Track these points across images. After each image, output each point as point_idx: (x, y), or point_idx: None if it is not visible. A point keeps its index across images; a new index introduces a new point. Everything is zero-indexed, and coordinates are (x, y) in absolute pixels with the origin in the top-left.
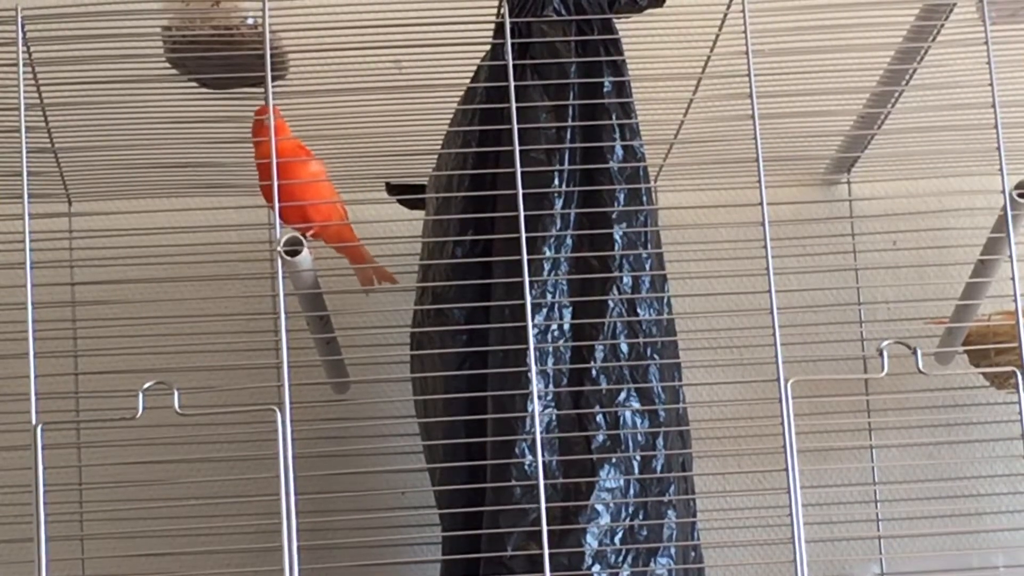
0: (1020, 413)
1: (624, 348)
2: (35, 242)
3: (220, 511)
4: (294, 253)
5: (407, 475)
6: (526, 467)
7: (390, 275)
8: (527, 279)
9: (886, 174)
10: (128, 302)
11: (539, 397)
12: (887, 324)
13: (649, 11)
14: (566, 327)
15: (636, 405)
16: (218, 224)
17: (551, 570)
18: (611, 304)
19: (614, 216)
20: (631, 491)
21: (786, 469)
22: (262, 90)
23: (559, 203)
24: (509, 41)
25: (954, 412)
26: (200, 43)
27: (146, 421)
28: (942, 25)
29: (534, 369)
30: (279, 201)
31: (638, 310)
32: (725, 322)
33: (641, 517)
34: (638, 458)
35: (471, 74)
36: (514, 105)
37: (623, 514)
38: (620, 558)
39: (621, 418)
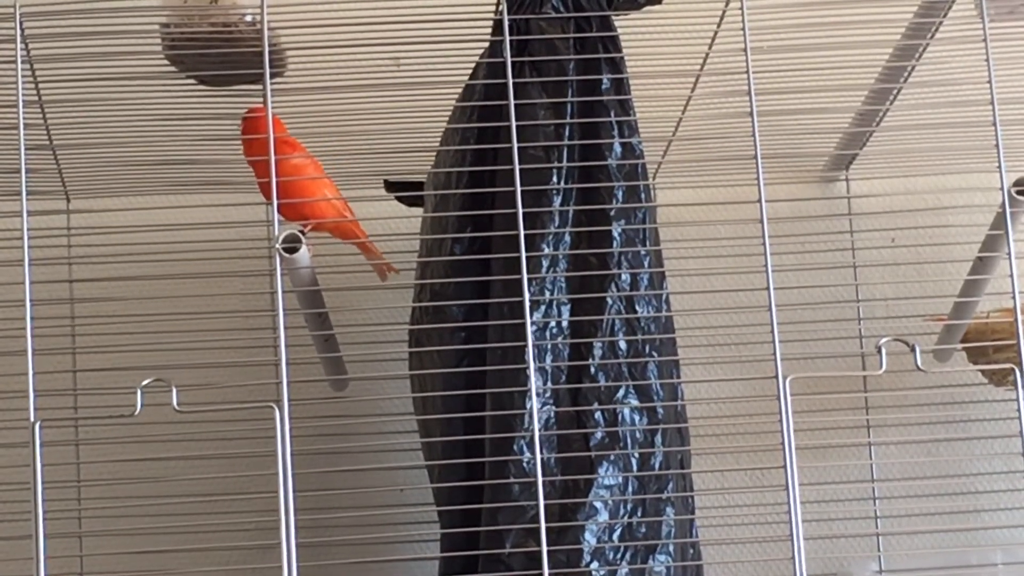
0: (1019, 410)
1: (622, 345)
2: (33, 239)
3: (218, 508)
4: (292, 250)
5: (406, 472)
6: (524, 464)
7: (393, 268)
8: (525, 276)
9: (885, 171)
10: (126, 299)
11: (537, 394)
12: (885, 321)
13: (647, 8)
14: (564, 324)
15: (634, 402)
16: (217, 221)
17: (549, 567)
18: (609, 301)
19: (612, 213)
20: (629, 488)
21: (784, 466)
22: (261, 87)
23: (557, 200)
24: (508, 38)
25: (953, 409)
26: (199, 40)
27: (144, 418)
28: (941, 22)
29: (532, 366)
30: (278, 198)
31: (636, 307)
32: (723, 319)
33: (639, 514)
34: (636, 455)
35: (469, 71)
36: (512, 102)
37: (621, 511)
38: (618, 555)
39: (619, 415)
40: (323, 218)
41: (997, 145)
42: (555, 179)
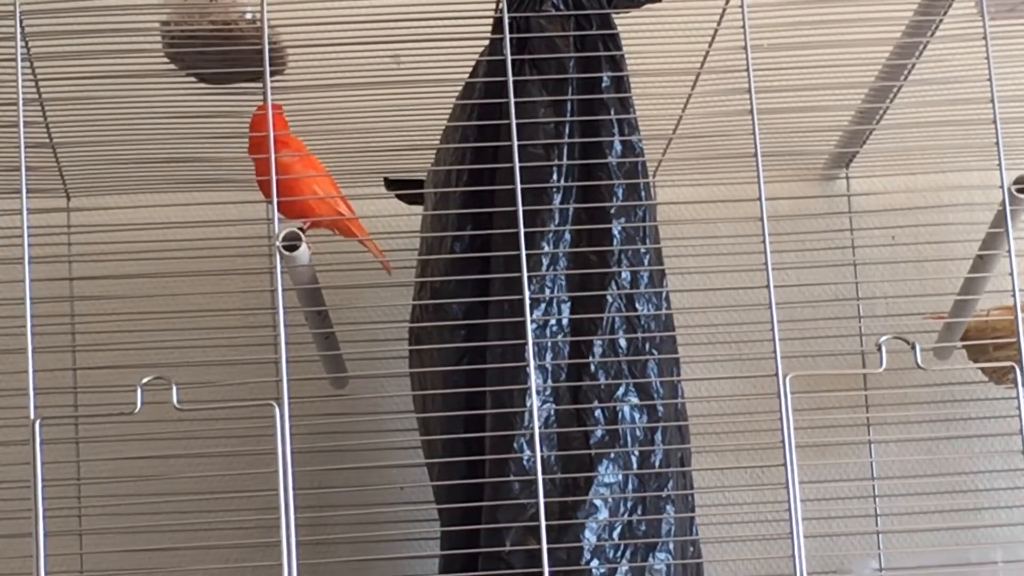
0: (1019, 408)
1: (622, 343)
2: (33, 237)
3: (218, 506)
4: (292, 248)
5: (406, 470)
6: (524, 462)
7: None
8: (526, 274)
9: (885, 169)
10: (126, 297)
11: (537, 392)
12: (886, 319)
13: (647, 6)
14: (564, 322)
15: (634, 400)
16: (217, 219)
17: (550, 565)
18: (609, 299)
19: (612, 211)
20: (629, 486)
21: (785, 464)
22: (260, 85)
23: (557, 198)
24: (508, 36)
25: (952, 407)
26: (199, 38)
27: (145, 416)
28: (941, 20)
29: (532, 364)
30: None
31: (636, 305)
32: (723, 317)
33: (639, 512)
34: (636, 453)
35: (469, 69)
36: (512, 100)
37: (621, 509)
38: (618, 553)
39: (619, 413)
40: (319, 217)
41: (997, 143)
42: (555, 177)
